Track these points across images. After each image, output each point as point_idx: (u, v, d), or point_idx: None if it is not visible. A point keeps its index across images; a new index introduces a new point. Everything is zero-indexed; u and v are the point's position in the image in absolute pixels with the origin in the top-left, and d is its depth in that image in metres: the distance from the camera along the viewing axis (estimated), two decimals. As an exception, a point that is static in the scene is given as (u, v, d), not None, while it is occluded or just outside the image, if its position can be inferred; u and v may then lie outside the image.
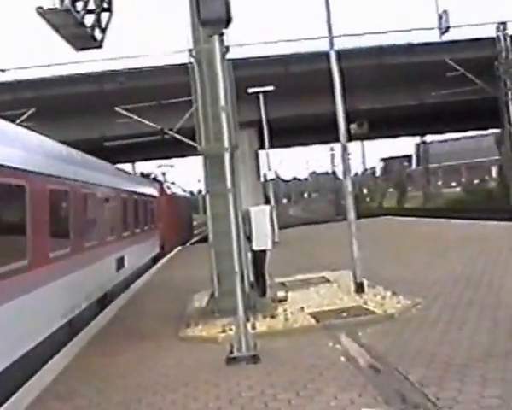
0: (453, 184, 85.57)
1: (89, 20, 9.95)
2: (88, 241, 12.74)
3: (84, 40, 10.06)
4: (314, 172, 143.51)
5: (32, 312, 8.79)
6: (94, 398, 7.21)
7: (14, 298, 8.00)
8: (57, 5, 8.93)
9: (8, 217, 8.45)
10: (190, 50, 11.22)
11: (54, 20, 9.09)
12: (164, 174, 48.20)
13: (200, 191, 65.40)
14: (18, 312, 8.16)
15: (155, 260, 24.17)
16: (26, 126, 13.56)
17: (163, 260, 25.83)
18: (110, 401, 7.01)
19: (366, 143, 76.55)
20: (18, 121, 20.34)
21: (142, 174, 30.14)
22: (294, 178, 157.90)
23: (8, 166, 8.19)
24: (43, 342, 9.00)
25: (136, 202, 20.21)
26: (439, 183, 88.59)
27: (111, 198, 16.15)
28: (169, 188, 34.48)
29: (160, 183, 32.90)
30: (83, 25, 9.67)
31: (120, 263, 16.38)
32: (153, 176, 33.38)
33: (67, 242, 11.19)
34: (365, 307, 10.46)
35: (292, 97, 33.14)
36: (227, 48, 10.87)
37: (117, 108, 28.90)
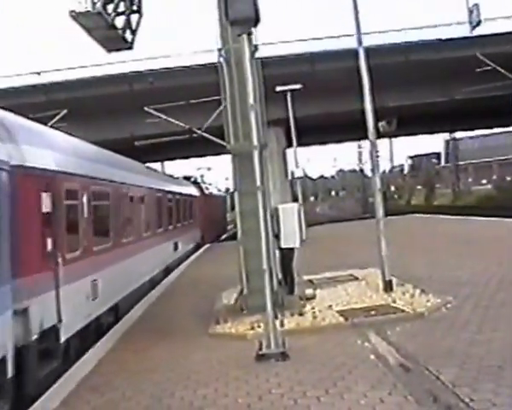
0: (484, 181, 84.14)
1: (119, 22, 10.06)
2: (158, 228, 18.85)
3: (115, 42, 10.19)
4: (341, 170, 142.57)
5: (145, 262, 15.87)
6: (127, 391, 7.34)
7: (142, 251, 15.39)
8: (89, 8, 9.06)
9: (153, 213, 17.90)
10: (219, 50, 11.28)
11: (86, 23, 9.23)
12: (202, 176, 55.87)
13: (227, 189, 65.82)
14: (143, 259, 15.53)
15: (197, 247, 29.57)
16: (58, 128, 13.85)
17: (191, 258, 26.11)
18: (142, 395, 7.12)
19: (394, 140, 75.81)
20: (51, 123, 20.70)
21: (185, 177, 35.60)
22: (322, 177, 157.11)
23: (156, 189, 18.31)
24: (142, 285, 15.33)
25: (184, 202, 26.45)
26: (470, 180, 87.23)
27: (171, 200, 22.69)
28: (207, 188, 39.82)
29: (199, 184, 38.09)
30: (114, 27, 9.79)
31: (176, 246, 22.55)
32: (193, 179, 39.29)
33: (149, 227, 17.32)
34: (394, 305, 10.40)
35: (319, 95, 33.00)
36: (255, 47, 10.92)
37: (146, 108, 29.18)
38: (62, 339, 8.71)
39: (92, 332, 10.47)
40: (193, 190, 31.76)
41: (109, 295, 11.69)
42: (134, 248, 14.45)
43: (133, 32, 10.49)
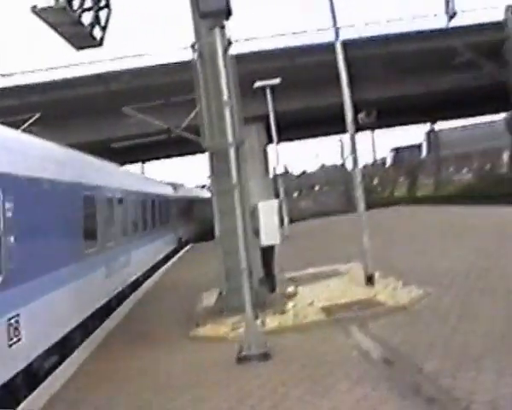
0: (464, 170, 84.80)
1: (87, 18, 9.74)
2: None
3: (84, 39, 9.85)
4: (324, 165, 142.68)
5: None
6: (102, 405, 7.08)
7: None
8: (52, 3, 8.72)
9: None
10: (192, 45, 11.06)
11: (50, 19, 8.89)
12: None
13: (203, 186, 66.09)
14: None
15: None
16: (31, 132, 13.54)
17: (174, 259, 26.01)
18: (119, 407, 6.90)
19: (376, 133, 76.09)
20: (23, 126, 20.24)
21: None
22: (304, 172, 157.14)
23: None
24: None
25: None
26: (451, 170, 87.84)
27: None
28: None
29: None
30: (81, 23, 9.46)
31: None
32: None
33: None
34: (377, 299, 10.29)
35: (299, 90, 32.90)
36: (229, 41, 10.72)
37: (123, 109, 28.77)
38: None
39: None
40: None
41: None
42: None
43: (102, 29, 10.16)
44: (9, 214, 7.58)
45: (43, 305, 8.53)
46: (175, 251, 28.58)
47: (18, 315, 7.58)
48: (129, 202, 16.95)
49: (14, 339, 7.43)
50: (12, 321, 7.41)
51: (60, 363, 9.14)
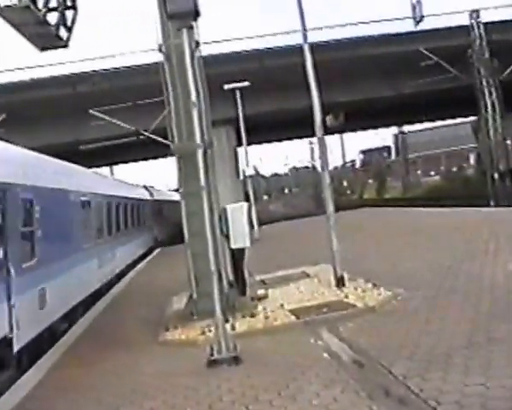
0: (432, 173, 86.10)
1: (52, 17, 9.51)
2: None
3: (48, 39, 9.62)
4: (294, 168, 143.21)
5: None
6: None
7: None
8: (15, 1, 8.48)
9: None
10: (160, 46, 10.96)
11: (12, 18, 8.66)
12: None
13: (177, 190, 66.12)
14: None
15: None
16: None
17: (142, 264, 25.80)
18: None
19: (346, 136, 76.81)
20: None
21: None
22: (275, 174, 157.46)
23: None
24: None
25: None
26: (419, 172, 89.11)
27: None
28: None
29: None
30: (46, 23, 9.23)
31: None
32: None
33: None
34: (346, 300, 10.31)
35: (269, 92, 32.88)
36: (197, 43, 10.68)
37: (91, 111, 28.42)
38: None
39: None
40: None
41: None
42: None
43: (69, 29, 9.93)
44: (38, 216, 10.55)
45: (59, 282, 11.46)
46: (151, 248, 31.28)
47: (44, 288, 10.52)
48: (115, 205, 19.92)
49: (43, 305, 10.36)
50: (42, 292, 10.37)
51: (69, 327, 11.91)
